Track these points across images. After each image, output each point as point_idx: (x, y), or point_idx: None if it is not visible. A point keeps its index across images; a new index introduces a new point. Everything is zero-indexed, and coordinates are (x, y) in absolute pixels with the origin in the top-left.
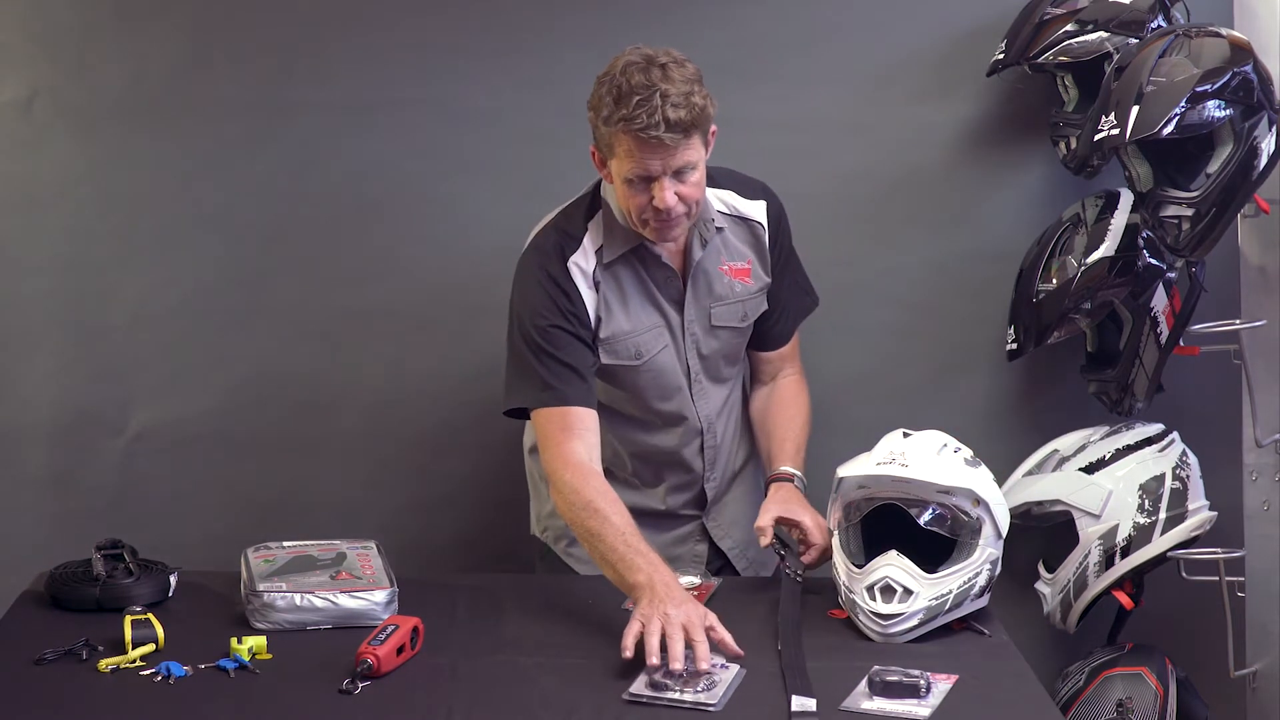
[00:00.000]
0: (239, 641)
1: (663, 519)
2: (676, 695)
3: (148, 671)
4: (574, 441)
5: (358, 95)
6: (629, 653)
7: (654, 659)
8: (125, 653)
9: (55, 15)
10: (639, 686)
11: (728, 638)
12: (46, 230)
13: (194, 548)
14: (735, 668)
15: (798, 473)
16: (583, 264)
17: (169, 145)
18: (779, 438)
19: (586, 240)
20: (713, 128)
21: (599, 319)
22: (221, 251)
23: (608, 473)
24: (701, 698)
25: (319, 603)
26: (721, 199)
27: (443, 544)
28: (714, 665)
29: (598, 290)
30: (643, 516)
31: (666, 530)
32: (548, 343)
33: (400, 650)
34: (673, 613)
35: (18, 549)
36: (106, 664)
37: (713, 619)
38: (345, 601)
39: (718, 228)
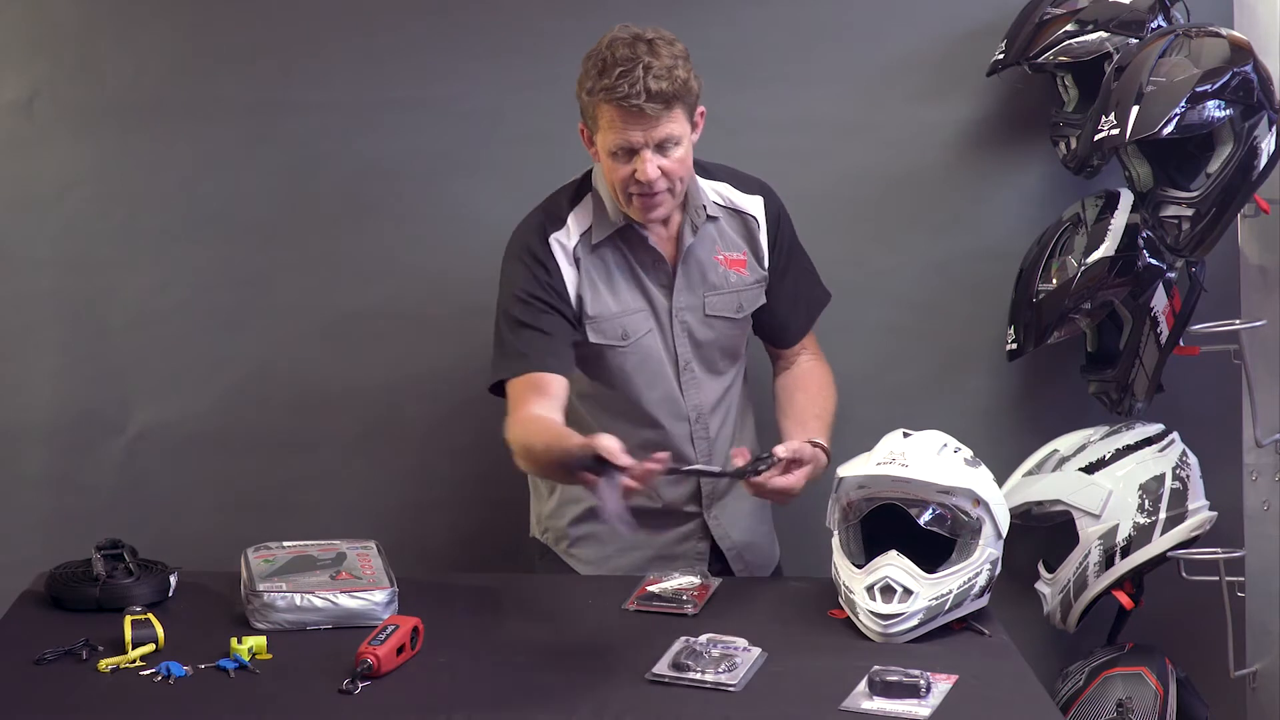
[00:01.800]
0: (239, 641)
1: (662, 517)
2: (698, 676)
3: (148, 671)
4: (532, 404)
5: (358, 95)
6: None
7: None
8: (125, 653)
9: (55, 15)
10: (661, 667)
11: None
12: (46, 230)
13: (194, 548)
14: (756, 650)
15: (824, 444)
16: (564, 241)
17: (169, 145)
18: (812, 413)
19: (571, 221)
20: (700, 108)
21: (581, 298)
22: (221, 251)
23: None
24: (723, 679)
25: (319, 603)
26: (716, 190)
27: (442, 544)
28: (735, 648)
29: (578, 267)
30: (642, 516)
31: (667, 529)
32: (522, 314)
33: (400, 650)
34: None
35: (18, 549)
36: (106, 664)
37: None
38: (345, 601)
39: (710, 216)
